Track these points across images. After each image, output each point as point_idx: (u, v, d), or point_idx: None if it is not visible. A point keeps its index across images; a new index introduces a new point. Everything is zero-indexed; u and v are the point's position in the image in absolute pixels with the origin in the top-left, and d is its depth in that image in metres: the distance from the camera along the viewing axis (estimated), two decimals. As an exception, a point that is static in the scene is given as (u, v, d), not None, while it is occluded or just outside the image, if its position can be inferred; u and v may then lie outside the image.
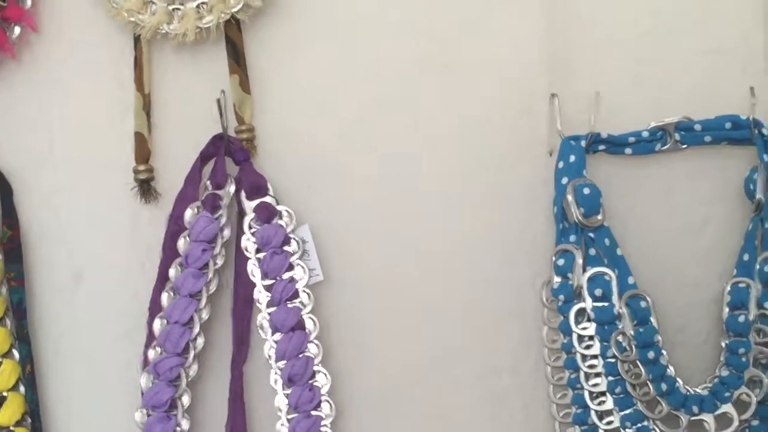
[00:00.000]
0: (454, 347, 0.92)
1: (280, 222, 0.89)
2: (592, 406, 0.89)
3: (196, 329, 0.88)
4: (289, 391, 0.88)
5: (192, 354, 0.88)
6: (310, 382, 0.88)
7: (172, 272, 0.89)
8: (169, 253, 0.89)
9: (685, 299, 0.92)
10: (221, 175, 0.89)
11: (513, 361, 0.92)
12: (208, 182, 0.90)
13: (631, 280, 0.90)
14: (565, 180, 0.90)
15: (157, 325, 0.88)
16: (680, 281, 0.92)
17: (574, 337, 0.89)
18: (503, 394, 0.92)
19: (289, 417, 0.88)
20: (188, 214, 0.88)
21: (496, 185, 0.93)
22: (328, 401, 0.88)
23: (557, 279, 0.90)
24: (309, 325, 0.89)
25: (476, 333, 0.92)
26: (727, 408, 0.88)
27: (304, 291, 0.89)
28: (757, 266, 0.89)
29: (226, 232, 0.90)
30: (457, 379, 0.92)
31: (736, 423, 0.87)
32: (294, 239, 0.89)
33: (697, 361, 0.92)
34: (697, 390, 0.89)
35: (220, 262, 0.90)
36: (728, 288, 0.89)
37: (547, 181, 0.92)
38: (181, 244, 0.89)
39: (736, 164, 0.92)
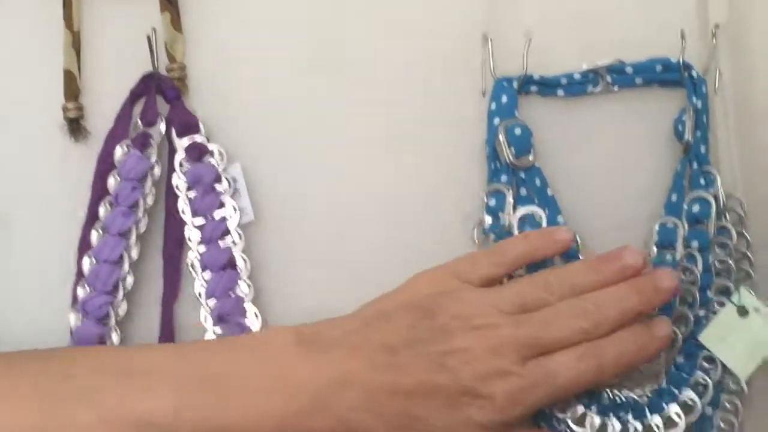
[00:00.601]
0: (386, 287, 0.91)
1: (211, 160, 0.89)
2: (521, 344, 0.89)
3: (126, 268, 0.88)
4: (219, 330, 0.88)
5: (121, 293, 0.88)
6: (240, 321, 0.88)
7: (101, 211, 0.88)
8: (99, 191, 0.88)
9: (615, 240, 0.92)
10: (152, 114, 0.89)
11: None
12: (139, 120, 0.89)
13: (560, 220, 0.90)
14: (497, 121, 0.90)
15: (86, 263, 0.88)
16: (610, 222, 0.93)
17: (505, 276, 0.89)
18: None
19: (220, 355, 0.88)
20: (118, 152, 0.88)
21: (430, 126, 0.93)
22: (259, 341, 0.88)
23: (488, 219, 0.90)
24: (240, 263, 0.89)
25: (409, 273, 0.91)
26: (654, 346, 0.88)
27: (235, 230, 0.89)
28: (685, 206, 0.89)
29: (157, 171, 0.89)
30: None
31: (662, 360, 0.88)
32: (225, 178, 0.89)
33: (627, 302, 0.92)
34: (625, 329, 0.89)
35: (150, 200, 0.89)
36: (656, 228, 0.90)
37: (480, 122, 0.92)
38: (111, 182, 0.88)
39: (667, 106, 0.92)
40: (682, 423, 0.88)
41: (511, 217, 0.89)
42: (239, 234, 0.89)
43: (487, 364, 0.76)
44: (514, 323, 0.78)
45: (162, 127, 0.89)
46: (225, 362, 0.77)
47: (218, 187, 0.89)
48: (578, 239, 0.89)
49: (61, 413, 0.74)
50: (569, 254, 0.89)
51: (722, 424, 0.89)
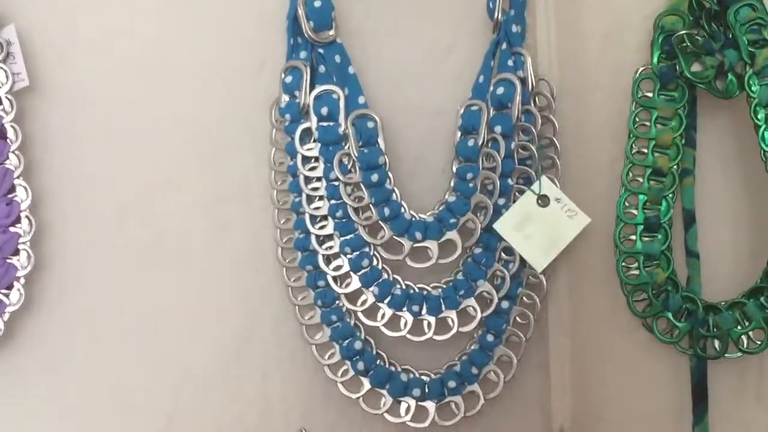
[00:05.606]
0: (179, 170, 0.86)
1: (-19, 21, 0.82)
2: (312, 230, 0.84)
3: None
4: (-18, 204, 0.82)
5: None
6: (9, 196, 0.82)
7: None
8: None
9: (426, 127, 0.88)
10: None
11: (242, 185, 0.86)
12: None
13: (361, 100, 0.85)
14: (298, -8, 0.84)
15: None
16: (422, 108, 0.87)
17: (299, 158, 0.84)
18: (232, 221, 0.86)
19: (-16, 231, 0.82)
20: None
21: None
22: (28, 218, 0.82)
23: (285, 98, 0.85)
24: (10, 134, 0.82)
25: (205, 156, 0.86)
26: (452, 235, 0.83)
27: (7, 98, 0.82)
28: (491, 88, 0.84)
29: None
30: (183, 204, 0.86)
31: (459, 250, 0.83)
32: (-4, 40, 0.82)
33: (436, 192, 0.87)
34: (423, 216, 0.84)
35: None
36: (461, 111, 0.84)
37: (288, -4, 0.85)
38: None
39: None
40: (477, 316, 0.83)
41: (307, 96, 0.83)
42: (11, 102, 0.82)
43: None
44: None
45: (-73, -19, 0.81)
46: None
47: (-12, 50, 0.81)
48: (378, 120, 0.83)
49: None
50: (369, 140, 0.84)
51: (518, 319, 0.85)
